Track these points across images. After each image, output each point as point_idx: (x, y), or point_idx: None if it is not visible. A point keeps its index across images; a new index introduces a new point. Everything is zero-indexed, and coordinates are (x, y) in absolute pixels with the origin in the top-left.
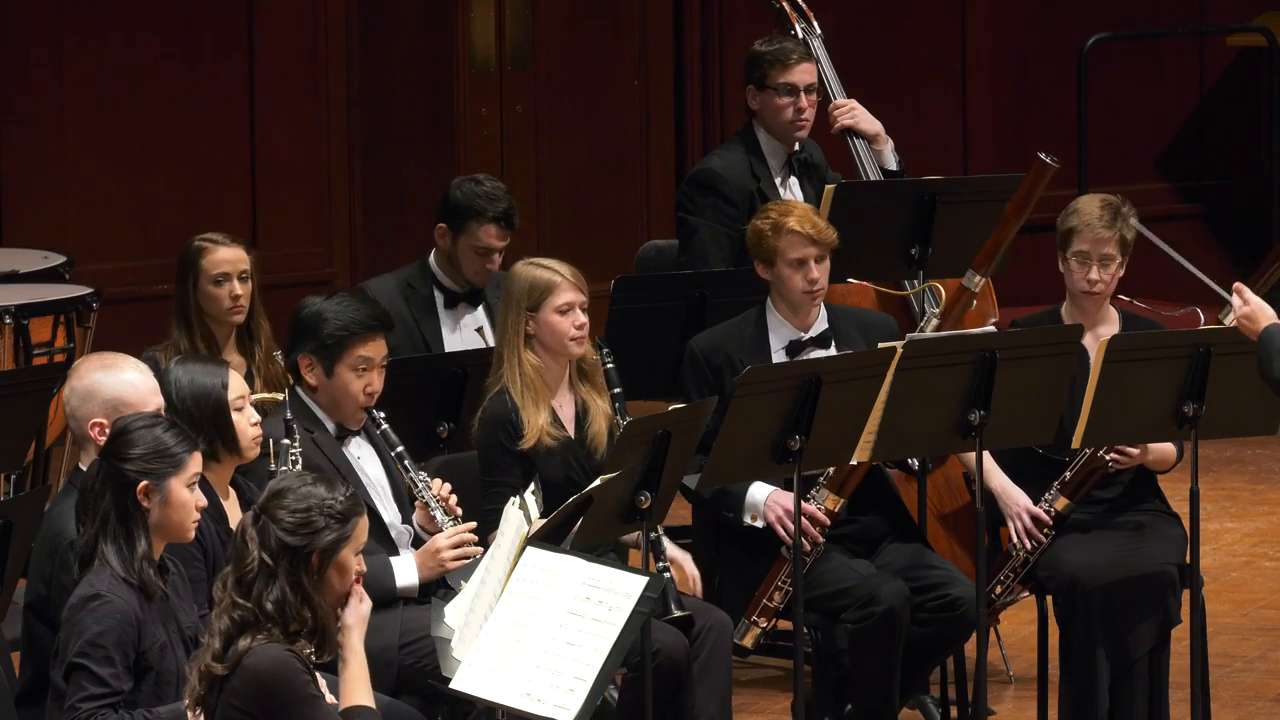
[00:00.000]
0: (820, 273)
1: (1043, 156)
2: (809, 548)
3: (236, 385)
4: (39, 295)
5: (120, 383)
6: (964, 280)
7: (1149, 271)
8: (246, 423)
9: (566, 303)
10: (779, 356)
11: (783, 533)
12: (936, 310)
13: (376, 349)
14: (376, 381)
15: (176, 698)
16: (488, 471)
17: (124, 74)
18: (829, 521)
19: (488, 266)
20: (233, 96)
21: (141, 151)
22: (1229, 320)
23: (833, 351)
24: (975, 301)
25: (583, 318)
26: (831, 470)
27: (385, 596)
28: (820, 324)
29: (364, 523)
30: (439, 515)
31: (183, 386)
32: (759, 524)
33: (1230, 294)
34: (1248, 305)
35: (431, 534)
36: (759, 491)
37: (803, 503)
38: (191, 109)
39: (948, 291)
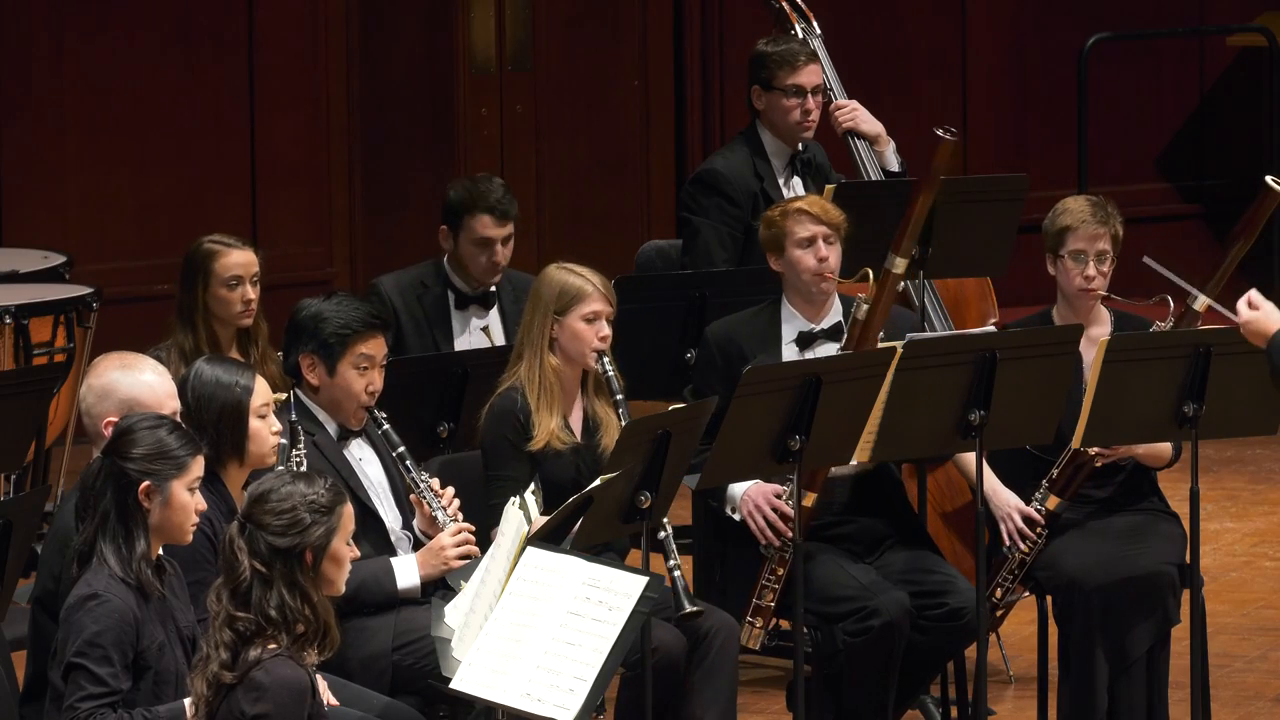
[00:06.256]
0: (830, 254)
1: (939, 131)
2: (778, 543)
3: (262, 392)
4: (39, 295)
5: (137, 384)
6: (886, 263)
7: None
8: (268, 429)
9: (594, 312)
10: (789, 349)
11: (754, 529)
12: (864, 298)
13: (377, 347)
14: (378, 380)
15: (175, 697)
16: (492, 466)
17: (124, 74)
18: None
19: (493, 260)
20: (233, 96)
21: (141, 151)
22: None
23: None
24: (902, 284)
25: (607, 330)
26: None
27: (387, 600)
28: (833, 316)
29: (349, 510)
30: (440, 516)
31: (206, 384)
32: (737, 517)
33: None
34: (1257, 309)
35: (431, 538)
36: (739, 485)
37: (774, 499)
38: (191, 109)
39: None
